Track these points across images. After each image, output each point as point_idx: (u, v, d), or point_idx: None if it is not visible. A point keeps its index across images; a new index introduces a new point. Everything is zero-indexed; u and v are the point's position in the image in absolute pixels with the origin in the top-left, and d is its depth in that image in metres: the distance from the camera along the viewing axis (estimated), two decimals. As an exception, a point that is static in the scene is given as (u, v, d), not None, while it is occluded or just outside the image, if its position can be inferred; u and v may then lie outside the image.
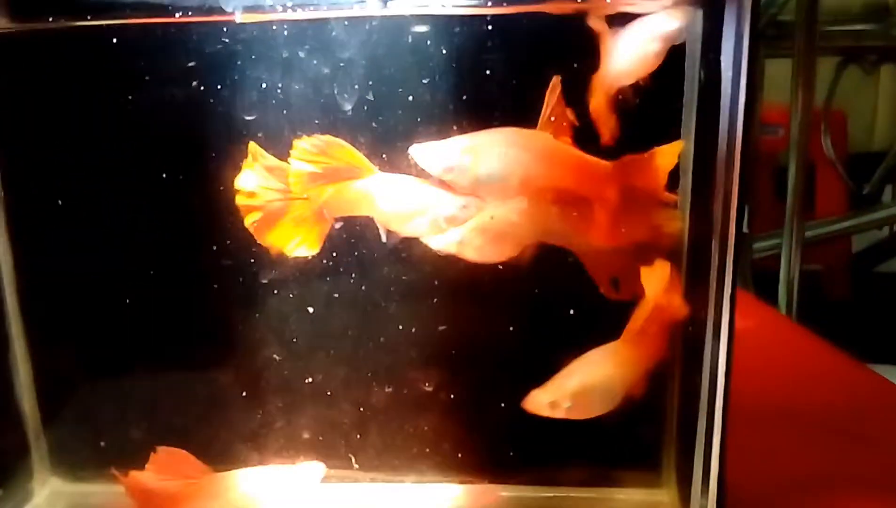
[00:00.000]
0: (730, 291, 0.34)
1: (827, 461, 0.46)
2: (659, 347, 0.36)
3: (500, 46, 0.35)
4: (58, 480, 0.42)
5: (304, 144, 0.34)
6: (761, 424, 0.49)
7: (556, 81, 0.34)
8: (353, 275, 0.37)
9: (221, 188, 0.35)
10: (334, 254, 0.37)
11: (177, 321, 0.40)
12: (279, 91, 0.35)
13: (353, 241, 0.37)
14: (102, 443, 0.41)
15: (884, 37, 1.24)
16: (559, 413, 0.34)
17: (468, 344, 0.39)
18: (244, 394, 0.39)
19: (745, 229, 1.16)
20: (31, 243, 0.39)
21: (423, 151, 0.34)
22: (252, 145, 0.34)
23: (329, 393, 0.39)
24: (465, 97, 0.35)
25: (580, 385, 0.35)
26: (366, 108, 0.35)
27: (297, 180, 0.34)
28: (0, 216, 0.39)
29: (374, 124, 0.35)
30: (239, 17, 0.32)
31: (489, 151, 0.34)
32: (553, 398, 0.34)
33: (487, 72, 0.35)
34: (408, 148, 0.34)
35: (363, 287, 0.38)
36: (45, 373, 0.40)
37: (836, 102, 1.36)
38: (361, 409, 0.39)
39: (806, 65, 1.05)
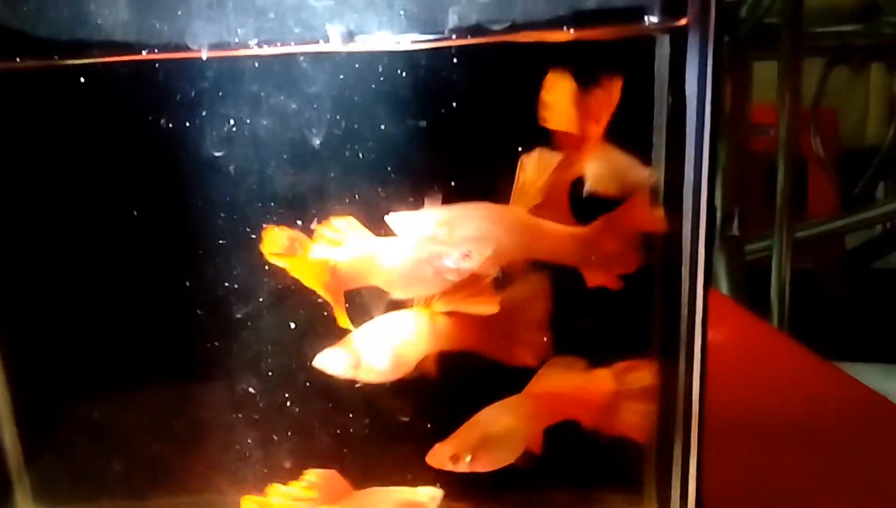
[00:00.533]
0: (701, 313, 0.35)
1: (809, 472, 0.47)
2: (560, 404, 0.36)
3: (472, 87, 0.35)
4: (41, 510, 0.42)
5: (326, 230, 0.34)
6: (744, 436, 0.50)
7: (523, 159, 0.34)
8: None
9: (197, 221, 0.36)
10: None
11: (157, 352, 0.40)
12: (247, 125, 0.35)
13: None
14: (83, 473, 0.41)
15: (872, 35, 1.24)
16: (462, 467, 0.35)
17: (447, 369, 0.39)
18: (228, 421, 0.40)
19: (736, 232, 1.17)
20: (9, 276, 0.39)
21: (400, 220, 0.34)
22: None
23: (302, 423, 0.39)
24: (436, 136, 0.36)
25: (480, 439, 0.35)
26: (338, 144, 0.35)
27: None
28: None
29: (346, 161, 0.36)
30: (205, 54, 0.32)
31: (463, 224, 0.34)
32: (454, 452, 0.35)
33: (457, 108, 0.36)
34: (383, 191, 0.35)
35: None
36: (24, 408, 0.40)
37: (827, 100, 1.37)
38: (339, 436, 0.39)
39: (792, 66, 1.06)
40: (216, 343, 0.39)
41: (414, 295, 0.35)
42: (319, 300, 0.35)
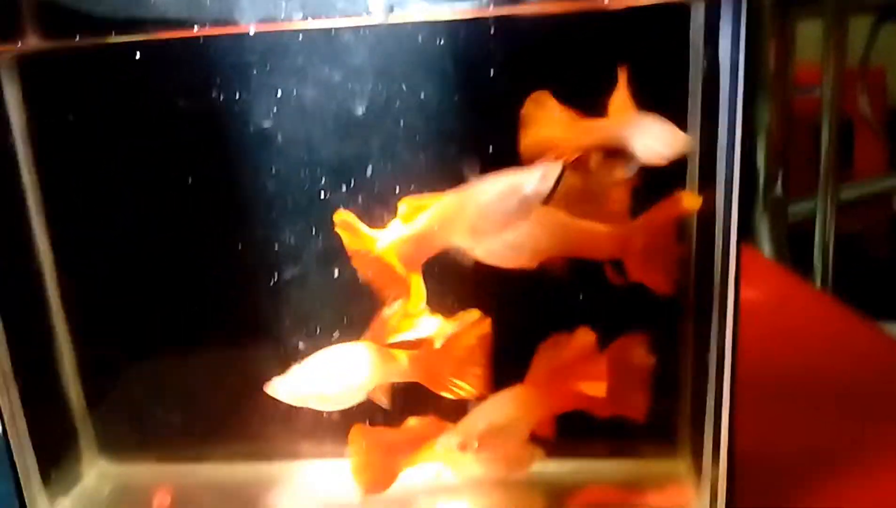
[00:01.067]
0: (734, 267, 0.35)
1: (843, 430, 0.47)
2: (563, 392, 0.38)
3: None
4: (105, 462, 0.44)
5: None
6: (781, 393, 0.50)
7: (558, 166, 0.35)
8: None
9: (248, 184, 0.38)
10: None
11: (214, 309, 0.42)
12: (294, 97, 0.37)
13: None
14: (146, 425, 0.44)
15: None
16: (470, 453, 0.38)
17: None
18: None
19: (779, 194, 1.16)
20: (70, 234, 0.42)
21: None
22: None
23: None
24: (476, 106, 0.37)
25: (486, 428, 0.37)
26: (380, 114, 0.37)
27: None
28: (39, 209, 0.41)
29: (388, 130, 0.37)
30: (252, 30, 0.34)
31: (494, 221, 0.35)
32: (462, 440, 0.37)
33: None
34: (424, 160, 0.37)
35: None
36: (88, 359, 0.43)
37: (875, 59, 1.34)
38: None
39: (837, 24, 1.04)
40: (270, 302, 0.41)
41: (494, 245, 0.36)
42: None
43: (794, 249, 1.15)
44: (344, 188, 0.38)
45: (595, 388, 0.38)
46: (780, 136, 1.14)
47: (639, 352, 0.39)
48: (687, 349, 0.40)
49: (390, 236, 0.36)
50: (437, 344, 0.37)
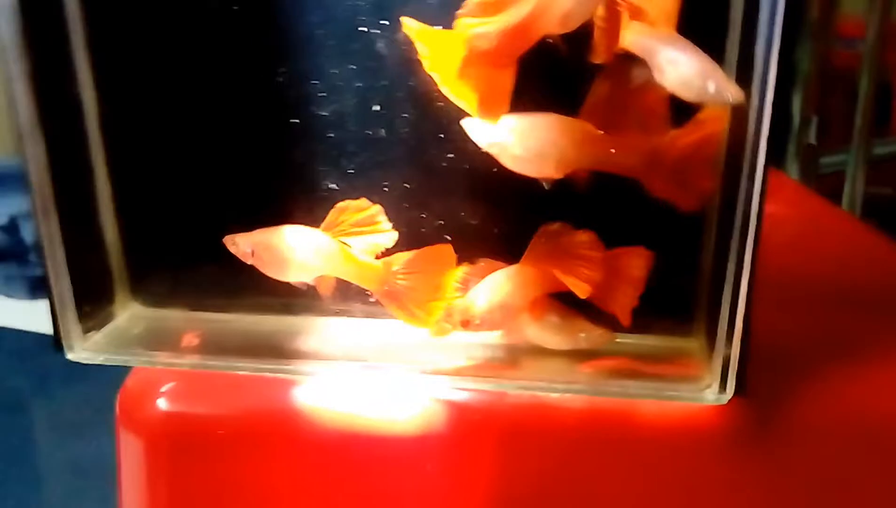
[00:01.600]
0: (763, 151, 0.35)
1: (858, 330, 0.48)
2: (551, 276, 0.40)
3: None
4: (137, 304, 0.46)
5: None
6: (796, 297, 0.51)
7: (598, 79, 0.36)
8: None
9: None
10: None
11: (251, 154, 0.43)
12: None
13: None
14: (179, 273, 0.45)
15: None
16: (472, 329, 0.40)
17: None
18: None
19: (812, 141, 1.15)
20: (113, 72, 0.42)
21: (473, 124, 0.37)
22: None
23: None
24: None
25: (486, 304, 0.39)
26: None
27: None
28: (82, 49, 0.42)
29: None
30: None
31: (529, 134, 0.37)
32: (464, 318, 0.40)
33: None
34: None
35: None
36: (126, 203, 0.44)
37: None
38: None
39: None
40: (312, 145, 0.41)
41: (518, 151, 0.37)
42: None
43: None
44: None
45: (579, 288, 0.39)
46: (818, 86, 1.13)
47: (636, 264, 0.40)
48: (709, 225, 0.40)
49: (484, 31, 0.34)
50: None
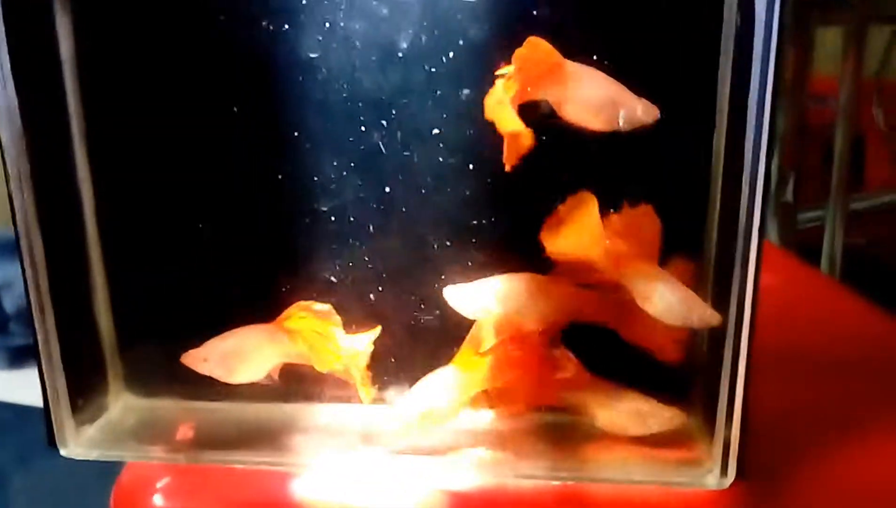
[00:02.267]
0: (757, 231, 0.36)
1: (851, 400, 0.48)
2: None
3: None
4: (130, 395, 0.45)
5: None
6: (789, 370, 0.51)
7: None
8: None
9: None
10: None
11: (248, 244, 0.43)
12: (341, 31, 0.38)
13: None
14: (172, 363, 0.44)
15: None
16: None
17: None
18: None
19: (790, 198, 1.17)
20: (110, 166, 0.43)
21: (454, 293, 0.39)
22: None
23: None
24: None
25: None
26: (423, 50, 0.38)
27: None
28: (81, 142, 0.42)
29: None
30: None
31: (509, 296, 0.39)
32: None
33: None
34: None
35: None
36: (120, 295, 0.44)
37: (892, 71, 1.35)
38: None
39: (858, 32, 1.05)
40: (306, 242, 0.42)
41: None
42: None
43: (802, 257, 1.16)
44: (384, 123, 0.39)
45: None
46: (793, 143, 1.16)
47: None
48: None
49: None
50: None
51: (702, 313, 0.38)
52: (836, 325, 0.60)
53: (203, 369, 0.41)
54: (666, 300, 0.38)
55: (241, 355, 0.41)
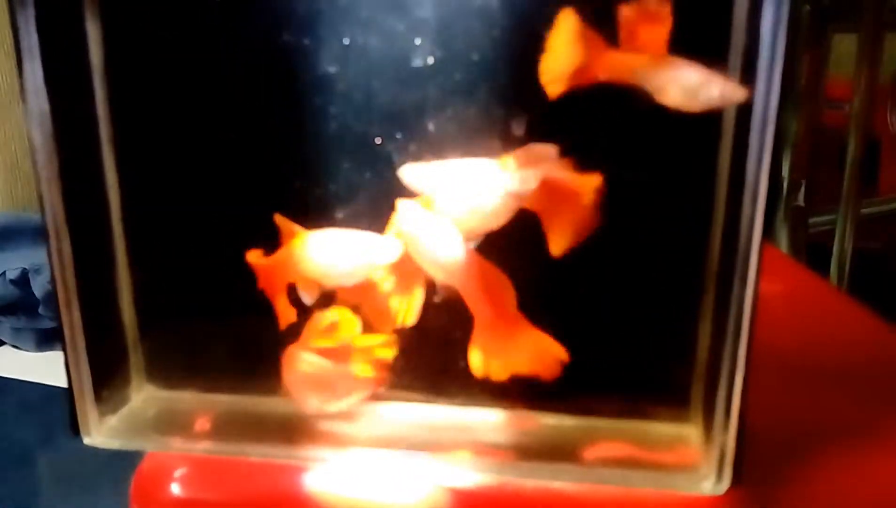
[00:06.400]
0: (758, 239, 0.37)
1: (854, 415, 0.49)
2: None
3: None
4: (151, 387, 0.47)
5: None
6: (789, 379, 0.52)
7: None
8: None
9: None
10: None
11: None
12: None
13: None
14: (193, 356, 0.46)
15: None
16: None
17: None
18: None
19: (801, 203, 1.18)
20: (135, 163, 0.44)
21: (411, 172, 0.39)
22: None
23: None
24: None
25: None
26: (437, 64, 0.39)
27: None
28: (108, 144, 0.44)
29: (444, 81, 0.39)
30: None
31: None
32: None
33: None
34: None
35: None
36: (144, 289, 0.46)
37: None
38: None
39: (873, 38, 1.05)
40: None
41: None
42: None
43: (812, 262, 1.17)
44: (399, 136, 0.40)
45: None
46: (806, 147, 1.16)
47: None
48: (705, 314, 0.42)
49: None
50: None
51: (723, 89, 0.36)
52: (836, 334, 0.61)
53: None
54: (681, 86, 0.36)
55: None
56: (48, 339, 1.29)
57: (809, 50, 1.14)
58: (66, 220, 0.40)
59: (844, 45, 1.19)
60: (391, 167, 0.40)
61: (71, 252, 0.41)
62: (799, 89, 1.15)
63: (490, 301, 0.40)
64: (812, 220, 1.19)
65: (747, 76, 0.36)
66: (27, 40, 0.39)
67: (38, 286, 1.25)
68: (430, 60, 0.39)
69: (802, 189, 1.15)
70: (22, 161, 1.63)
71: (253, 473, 0.42)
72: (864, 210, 1.20)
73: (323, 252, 0.40)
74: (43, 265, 1.26)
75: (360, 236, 0.40)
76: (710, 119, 0.39)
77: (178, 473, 0.42)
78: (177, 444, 0.43)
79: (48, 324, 1.28)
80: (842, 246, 1.18)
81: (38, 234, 1.39)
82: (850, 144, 1.15)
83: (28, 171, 1.66)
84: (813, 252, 1.19)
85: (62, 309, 0.41)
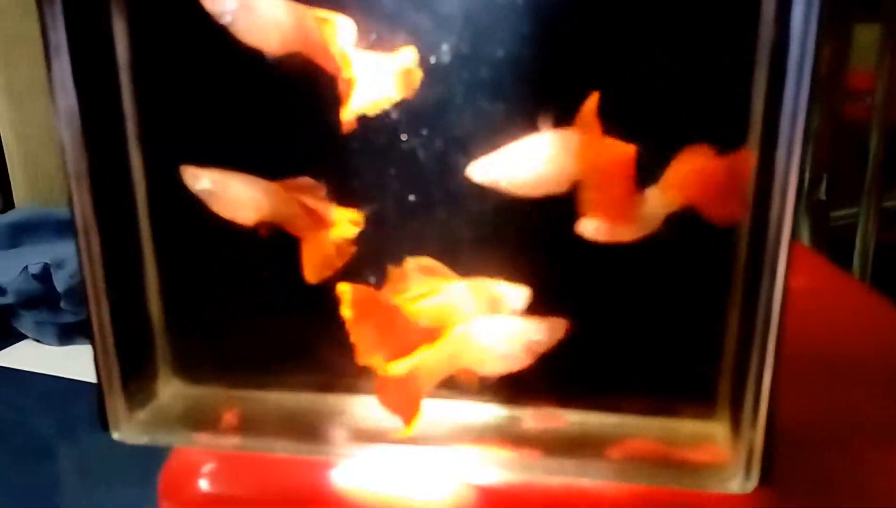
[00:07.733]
0: (787, 233, 0.37)
1: (880, 410, 0.49)
2: None
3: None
4: (179, 383, 0.47)
5: None
6: (817, 374, 0.52)
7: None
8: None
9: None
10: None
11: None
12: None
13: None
14: (221, 351, 0.47)
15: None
16: None
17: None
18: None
19: (823, 196, 1.17)
20: (162, 158, 0.44)
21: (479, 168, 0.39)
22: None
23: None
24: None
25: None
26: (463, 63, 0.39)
27: None
28: (135, 141, 0.44)
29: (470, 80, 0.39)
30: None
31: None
32: None
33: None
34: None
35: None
36: (171, 285, 0.46)
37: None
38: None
39: (894, 32, 1.04)
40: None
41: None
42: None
43: (834, 255, 1.16)
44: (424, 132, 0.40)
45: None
46: (828, 140, 1.15)
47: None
48: (733, 310, 0.42)
49: None
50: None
51: None
52: (859, 328, 0.61)
53: (195, 186, 0.41)
54: None
55: (235, 192, 0.41)
56: (69, 333, 1.30)
57: (831, 41, 1.13)
58: (94, 216, 0.41)
59: (866, 36, 1.17)
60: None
61: (100, 248, 0.41)
62: (820, 81, 1.14)
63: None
64: (834, 213, 1.18)
65: (776, 72, 0.36)
66: (55, 38, 0.39)
67: (60, 281, 1.26)
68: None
69: (824, 182, 1.14)
70: (42, 156, 1.64)
71: (280, 469, 0.42)
72: (887, 203, 1.19)
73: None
74: (64, 260, 1.27)
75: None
76: (737, 114, 0.39)
77: (205, 469, 0.42)
78: (204, 440, 0.44)
79: (70, 318, 1.29)
80: (864, 239, 1.17)
81: (59, 228, 1.40)
82: (872, 136, 1.14)
83: (48, 166, 1.68)
84: (835, 246, 1.18)
85: (91, 305, 0.41)
